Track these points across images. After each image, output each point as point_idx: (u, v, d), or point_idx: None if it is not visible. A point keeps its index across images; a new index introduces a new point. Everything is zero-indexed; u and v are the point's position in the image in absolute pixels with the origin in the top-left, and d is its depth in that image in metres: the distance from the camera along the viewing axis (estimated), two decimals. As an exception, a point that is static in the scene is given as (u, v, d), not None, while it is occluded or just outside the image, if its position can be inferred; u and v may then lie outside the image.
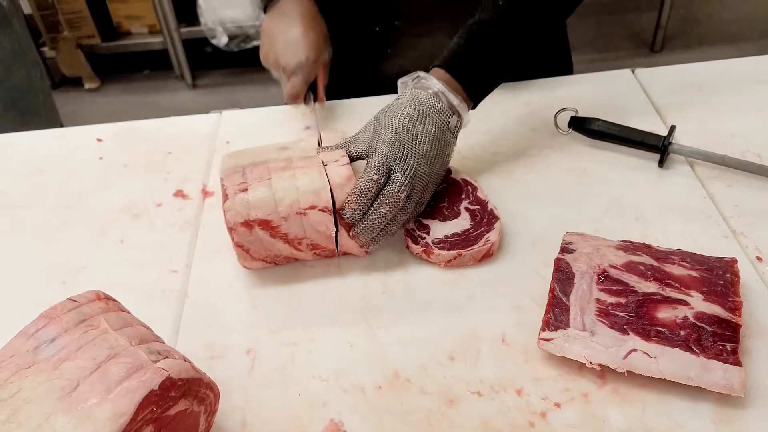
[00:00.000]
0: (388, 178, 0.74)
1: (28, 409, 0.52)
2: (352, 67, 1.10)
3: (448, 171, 0.86)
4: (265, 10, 1.04)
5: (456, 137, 0.81)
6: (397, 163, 0.74)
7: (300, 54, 0.95)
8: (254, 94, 2.84)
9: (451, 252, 0.76)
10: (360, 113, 1.04)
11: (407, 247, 0.79)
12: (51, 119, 2.36)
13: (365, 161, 0.76)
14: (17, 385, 0.54)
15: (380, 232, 0.76)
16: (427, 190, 0.78)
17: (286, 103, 1.00)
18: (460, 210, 0.81)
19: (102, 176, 0.97)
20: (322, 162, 0.76)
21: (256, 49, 1.04)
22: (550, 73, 1.09)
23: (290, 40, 0.97)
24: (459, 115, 0.80)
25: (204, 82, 3.06)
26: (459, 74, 0.81)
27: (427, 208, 0.81)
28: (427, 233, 0.79)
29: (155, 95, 3.02)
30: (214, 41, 2.86)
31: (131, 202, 0.92)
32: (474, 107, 0.84)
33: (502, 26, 0.82)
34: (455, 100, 0.79)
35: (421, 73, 0.81)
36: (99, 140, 1.04)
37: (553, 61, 1.14)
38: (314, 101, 1.01)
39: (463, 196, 0.83)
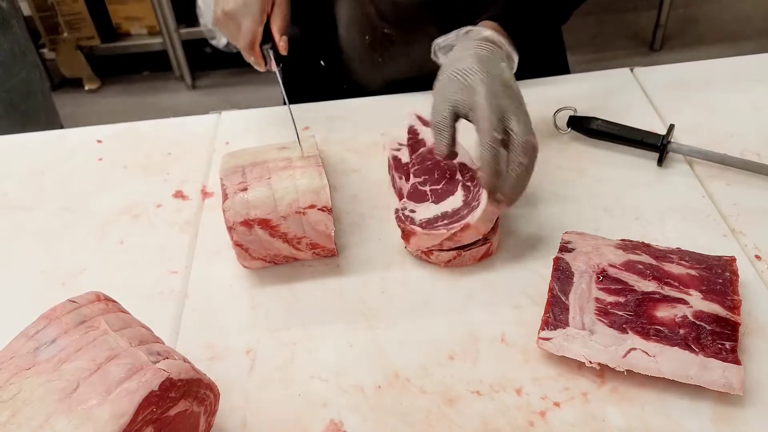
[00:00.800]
0: (506, 126, 0.71)
1: (28, 411, 0.52)
2: (339, 74, 1.09)
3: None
4: None
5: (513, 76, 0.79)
6: (508, 109, 0.71)
7: None
8: (254, 94, 2.84)
9: (450, 252, 0.76)
10: (350, 116, 1.04)
11: (406, 247, 0.79)
12: (51, 121, 2.36)
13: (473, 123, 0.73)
14: (17, 386, 0.54)
15: (520, 186, 0.72)
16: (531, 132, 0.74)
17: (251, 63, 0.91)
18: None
19: (102, 177, 0.97)
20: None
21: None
22: (545, 74, 1.09)
23: None
24: (511, 58, 0.80)
25: (204, 83, 3.06)
26: (508, 27, 0.81)
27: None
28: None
29: (155, 96, 3.02)
30: (213, 42, 2.86)
31: (131, 203, 0.92)
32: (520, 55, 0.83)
33: None
34: (510, 48, 0.80)
35: (470, 28, 0.80)
36: (98, 141, 1.04)
37: (548, 61, 1.13)
38: (274, 55, 0.90)
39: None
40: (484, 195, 0.75)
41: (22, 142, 1.07)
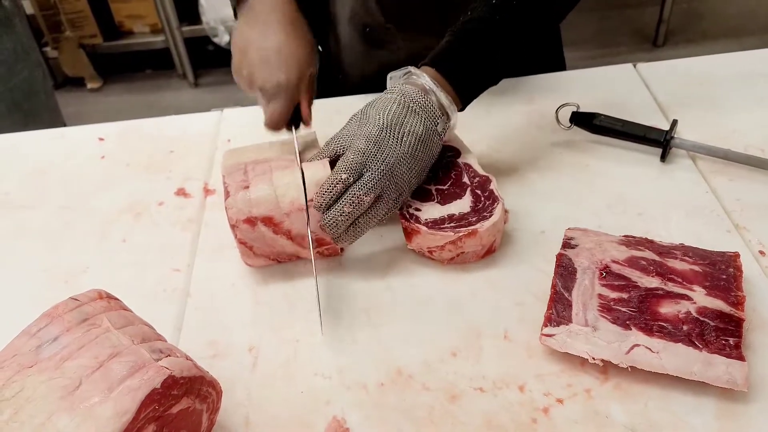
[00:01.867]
0: (360, 176, 0.72)
1: (30, 408, 0.52)
2: (335, 64, 1.08)
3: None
4: (235, 13, 0.88)
5: (441, 140, 0.78)
6: (373, 162, 0.72)
7: (280, 73, 0.81)
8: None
9: (451, 251, 0.76)
10: (344, 112, 1.03)
11: (408, 245, 0.79)
12: (54, 119, 2.36)
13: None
14: (20, 384, 0.54)
15: (348, 231, 0.74)
16: (404, 193, 0.75)
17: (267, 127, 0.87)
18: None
19: (104, 176, 0.97)
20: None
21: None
22: (541, 70, 1.08)
23: (267, 55, 0.82)
24: (447, 117, 0.77)
25: (206, 81, 3.07)
26: (449, 73, 0.77)
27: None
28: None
29: (158, 94, 3.02)
30: (215, 40, 2.87)
31: (133, 201, 0.92)
32: (462, 109, 0.80)
33: (495, 25, 0.78)
34: (445, 100, 0.76)
35: (412, 68, 0.78)
36: (101, 139, 1.04)
37: (545, 57, 1.13)
38: (296, 127, 0.87)
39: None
40: (498, 209, 0.76)
41: (24, 141, 1.07)
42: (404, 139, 0.73)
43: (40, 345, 0.56)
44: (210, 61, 3.07)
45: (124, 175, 0.97)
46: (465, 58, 0.78)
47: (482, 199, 0.78)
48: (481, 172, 0.81)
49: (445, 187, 0.80)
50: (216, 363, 0.70)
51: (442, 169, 0.82)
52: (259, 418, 0.65)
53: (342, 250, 0.81)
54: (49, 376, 0.54)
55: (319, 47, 1.01)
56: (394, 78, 0.81)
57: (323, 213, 0.73)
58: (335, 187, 0.72)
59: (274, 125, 0.84)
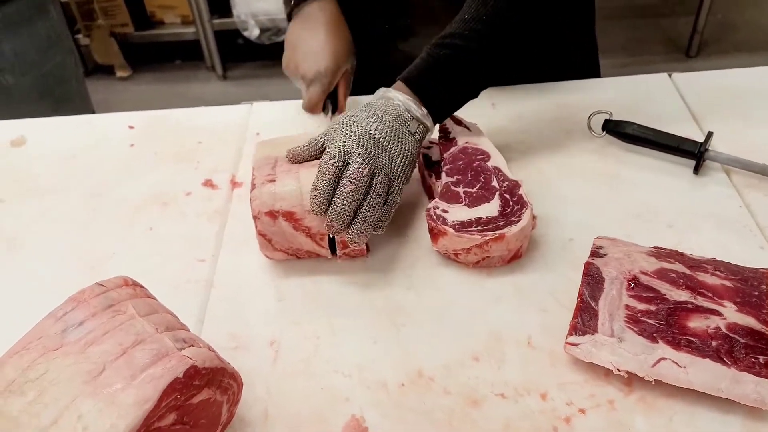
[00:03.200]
0: (347, 164, 0.72)
1: (54, 391, 0.52)
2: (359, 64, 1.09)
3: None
4: (289, 17, 1.02)
5: (419, 140, 0.79)
6: (354, 148, 0.73)
7: (320, 63, 0.94)
8: (284, 87, 2.83)
9: (477, 254, 0.75)
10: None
11: (434, 245, 0.78)
12: (83, 107, 2.39)
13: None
14: (45, 366, 0.54)
15: (356, 221, 0.72)
16: (395, 183, 0.75)
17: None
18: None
19: (132, 164, 0.98)
20: None
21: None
22: (575, 76, 1.07)
23: (311, 49, 0.95)
24: (424, 126, 0.79)
25: (234, 74, 3.08)
26: (419, 91, 0.79)
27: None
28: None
29: (186, 85, 3.04)
30: (245, 33, 2.88)
31: (160, 190, 0.92)
32: (439, 122, 0.83)
33: (468, 42, 0.79)
34: (418, 112, 0.78)
35: (384, 89, 0.81)
36: (131, 127, 1.05)
37: (579, 63, 1.12)
38: (333, 112, 1.00)
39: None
40: (527, 214, 0.75)
41: (55, 126, 1.08)
42: (372, 133, 0.75)
43: (66, 329, 0.57)
44: (239, 55, 3.09)
45: (152, 163, 0.98)
46: (434, 77, 0.80)
47: (511, 203, 0.77)
48: (510, 176, 0.80)
49: (473, 190, 0.79)
50: (237, 355, 0.70)
51: (471, 172, 0.81)
52: (278, 412, 0.65)
53: (368, 250, 0.80)
54: (74, 360, 0.54)
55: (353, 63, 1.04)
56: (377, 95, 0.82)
57: (326, 211, 0.72)
58: (330, 176, 0.71)
59: (310, 107, 0.96)
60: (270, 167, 0.78)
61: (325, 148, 0.76)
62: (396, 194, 0.75)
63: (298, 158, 0.78)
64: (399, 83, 0.80)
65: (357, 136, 0.74)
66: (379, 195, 0.73)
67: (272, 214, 0.73)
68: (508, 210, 0.76)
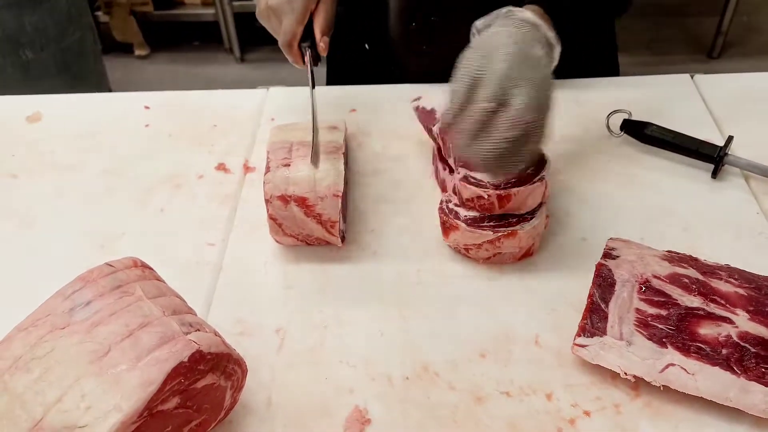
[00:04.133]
0: (502, 104, 0.64)
1: (59, 370, 0.53)
2: (384, 58, 1.07)
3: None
4: None
5: (551, 62, 0.74)
6: (513, 80, 0.64)
7: None
8: (301, 71, 2.84)
9: (488, 250, 0.75)
10: (399, 101, 1.01)
11: (445, 239, 0.78)
12: (100, 83, 2.39)
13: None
14: (51, 344, 0.54)
15: (507, 156, 0.65)
16: (548, 120, 0.67)
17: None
18: None
19: (147, 144, 0.98)
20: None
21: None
22: (595, 74, 1.06)
23: None
24: (551, 47, 0.74)
25: (252, 57, 3.07)
26: (552, 11, 0.76)
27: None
28: (458, 208, 0.75)
29: (203, 67, 3.04)
30: (265, 17, 2.86)
31: (174, 172, 0.92)
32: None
33: None
34: (550, 33, 0.74)
35: (511, 7, 0.74)
36: (147, 108, 1.04)
37: (599, 61, 1.10)
38: (312, 52, 0.87)
39: None
40: (540, 212, 0.74)
41: (72, 103, 1.08)
42: (528, 56, 0.68)
43: (74, 308, 0.57)
44: (257, 38, 3.07)
45: (166, 145, 0.97)
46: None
47: None
48: None
49: None
50: (243, 341, 0.70)
51: None
52: (281, 400, 0.65)
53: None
54: (80, 340, 0.54)
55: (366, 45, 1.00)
56: (488, 20, 0.76)
57: (469, 140, 0.65)
58: (480, 121, 0.64)
59: (287, 43, 0.85)
60: (286, 151, 0.77)
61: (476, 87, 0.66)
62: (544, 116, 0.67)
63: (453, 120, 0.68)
64: (528, 6, 0.75)
65: (520, 70, 0.65)
66: (538, 134, 0.66)
67: (284, 199, 0.73)
68: None
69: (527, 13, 0.74)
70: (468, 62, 0.68)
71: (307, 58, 0.88)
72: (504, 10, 0.76)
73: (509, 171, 0.70)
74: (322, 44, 0.87)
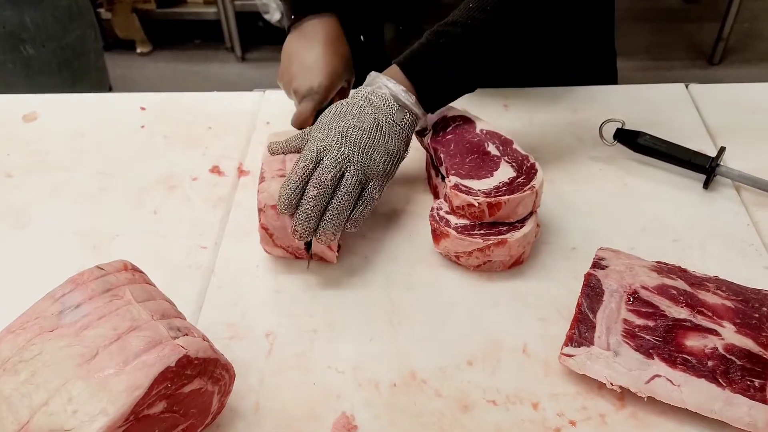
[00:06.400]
0: (318, 165, 0.72)
1: (47, 372, 0.53)
2: (378, 51, 1.07)
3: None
4: (288, 30, 0.97)
5: (406, 130, 0.78)
6: (330, 147, 0.73)
7: (313, 79, 0.89)
8: (301, 72, 2.84)
9: (478, 258, 0.75)
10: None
11: (435, 246, 0.78)
12: (101, 81, 2.40)
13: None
14: (39, 347, 0.55)
15: (324, 218, 0.72)
16: (372, 180, 0.74)
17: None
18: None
19: (142, 145, 0.98)
20: None
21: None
22: (592, 80, 1.06)
23: (306, 64, 0.91)
24: (410, 111, 0.78)
25: (253, 56, 3.08)
26: (413, 76, 0.78)
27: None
28: (449, 215, 0.77)
29: (204, 65, 3.04)
30: (266, 16, 2.87)
31: (168, 174, 0.92)
32: (431, 111, 0.82)
33: (469, 32, 0.77)
34: (407, 100, 0.77)
35: (373, 73, 0.80)
36: (142, 108, 1.05)
37: (595, 68, 1.10)
38: None
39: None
40: (531, 220, 0.75)
41: (68, 103, 1.08)
42: (351, 131, 0.74)
43: (63, 310, 0.57)
44: (259, 37, 3.08)
45: (161, 146, 0.98)
46: (430, 62, 0.78)
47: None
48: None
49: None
50: (232, 345, 0.70)
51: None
52: (269, 405, 0.65)
53: (338, 256, 0.79)
54: (68, 343, 0.54)
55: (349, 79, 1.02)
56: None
57: (293, 213, 0.72)
58: (298, 178, 0.71)
59: (299, 124, 0.90)
60: (280, 161, 0.78)
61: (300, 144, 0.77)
62: (374, 191, 0.75)
63: (277, 151, 0.79)
64: (393, 67, 0.79)
65: (336, 133, 0.74)
66: (348, 194, 0.72)
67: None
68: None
69: (382, 79, 0.78)
70: (313, 127, 0.78)
71: None
72: (374, 74, 0.80)
73: (325, 235, 0.73)
74: None
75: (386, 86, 0.78)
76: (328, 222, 0.72)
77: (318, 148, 0.73)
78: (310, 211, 0.71)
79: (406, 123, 0.78)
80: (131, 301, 0.59)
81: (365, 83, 0.80)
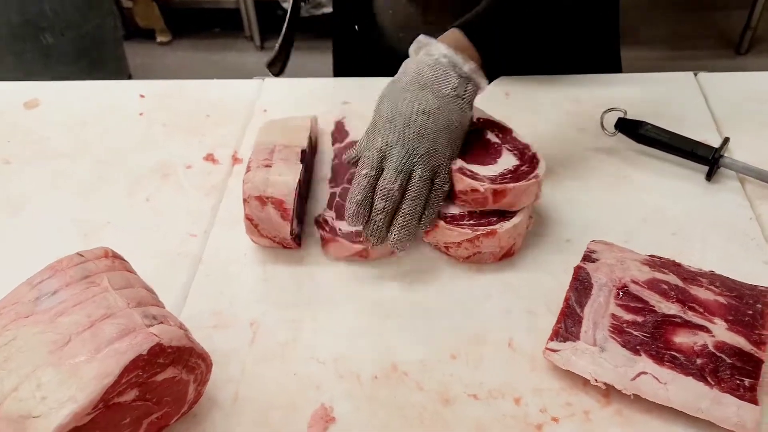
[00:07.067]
0: (382, 170, 0.70)
1: (20, 358, 0.53)
2: (373, 41, 1.06)
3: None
4: None
5: (468, 104, 0.75)
6: (391, 147, 0.70)
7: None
8: (321, 58, 2.83)
9: (467, 249, 0.73)
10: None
11: (424, 237, 0.76)
12: (120, 69, 2.41)
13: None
14: (13, 333, 0.55)
15: (396, 226, 0.70)
16: (441, 169, 0.72)
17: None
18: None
19: (139, 133, 0.98)
20: None
21: (326, 16, 1.00)
22: (595, 70, 1.03)
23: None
24: (469, 81, 0.74)
25: (272, 45, 3.05)
26: (477, 37, 0.74)
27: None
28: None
29: (223, 54, 3.05)
30: (285, 5, 2.86)
31: (163, 161, 0.92)
32: (490, 79, 0.77)
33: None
34: (466, 67, 0.73)
35: (422, 38, 0.76)
36: (141, 96, 1.05)
37: (599, 56, 1.08)
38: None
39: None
40: (522, 211, 0.73)
41: (69, 90, 1.09)
42: (414, 119, 0.71)
43: (39, 297, 0.57)
44: (278, 26, 3.06)
45: (159, 134, 0.98)
46: (494, 22, 0.75)
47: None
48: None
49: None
50: (215, 333, 0.70)
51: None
52: (248, 394, 0.64)
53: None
54: (42, 329, 0.54)
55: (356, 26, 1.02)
56: (413, 50, 0.77)
57: (365, 223, 0.71)
58: (364, 189, 0.70)
59: None
60: (268, 152, 0.78)
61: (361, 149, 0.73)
62: (444, 184, 0.72)
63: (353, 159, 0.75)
64: (450, 33, 0.75)
65: (394, 127, 0.71)
66: (418, 197, 0.70)
67: (262, 200, 0.73)
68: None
69: (443, 49, 0.73)
70: (369, 128, 0.74)
71: None
72: (424, 41, 0.76)
73: (401, 242, 0.71)
74: None
75: (440, 54, 0.73)
76: (400, 230, 0.70)
77: (379, 147, 0.71)
78: (380, 223, 0.70)
79: (468, 95, 0.74)
80: (108, 288, 0.58)
81: (413, 49, 0.76)
